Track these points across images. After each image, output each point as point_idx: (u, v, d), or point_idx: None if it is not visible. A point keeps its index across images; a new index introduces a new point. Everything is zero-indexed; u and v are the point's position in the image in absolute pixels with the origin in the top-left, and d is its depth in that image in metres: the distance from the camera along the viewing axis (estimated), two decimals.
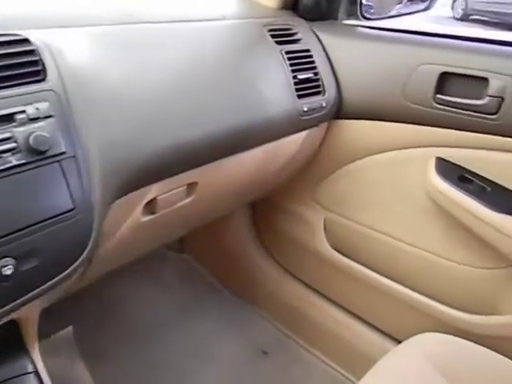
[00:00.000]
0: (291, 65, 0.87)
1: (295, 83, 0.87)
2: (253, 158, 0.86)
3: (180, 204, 0.80)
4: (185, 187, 0.78)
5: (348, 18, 1.02)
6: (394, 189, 0.96)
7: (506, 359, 0.80)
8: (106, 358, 1.13)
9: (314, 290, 1.19)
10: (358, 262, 1.06)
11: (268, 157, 0.91)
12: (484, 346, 0.82)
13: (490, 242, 0.82)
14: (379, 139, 0.95)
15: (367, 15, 1.02)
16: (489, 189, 0.83)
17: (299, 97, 0.87)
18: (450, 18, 9.03)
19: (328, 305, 1.16)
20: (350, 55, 0.95)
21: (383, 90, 0.91)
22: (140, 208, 0.72)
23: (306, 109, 0.88)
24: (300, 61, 0.89)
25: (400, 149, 0.94)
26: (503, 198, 0.82)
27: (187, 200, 0.81)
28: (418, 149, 0.91)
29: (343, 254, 1.08)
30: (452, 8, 9.16)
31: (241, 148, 0.80)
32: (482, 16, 8.55)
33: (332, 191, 1.08)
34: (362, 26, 1.00)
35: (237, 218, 1.29)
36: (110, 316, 1.26)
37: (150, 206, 0.74)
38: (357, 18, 1.02)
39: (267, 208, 1.25)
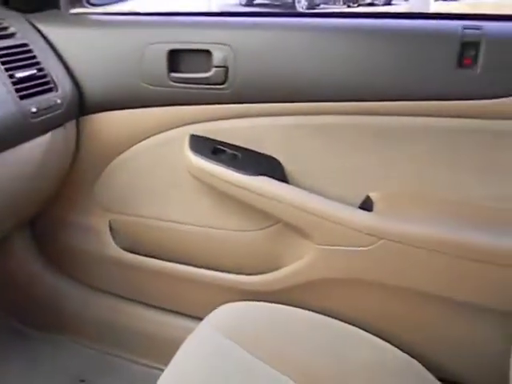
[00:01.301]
0: (4, 63, 0.77)
1: (14, 83, 0.77)
2: None
3: None
4: None
5: (74, 7, 0.95)
6: (163, 173, 0.95)
7: (297, 309, 0.85)
8: None
9: (121, 297, 1.12)
10: (151, 256, 1.02)
11: (8, 170, 0.80)
12: (277, 302, 0.87)
13: (252, 204, 0.85)
14: (135, 127, 0.92)
15: (94, 1, 0.97)
16: (240, 155, 0.86)
17: (22, 97, 0.77)
18: (237, 4, 9.61)
19: (139, 307, 1.10)
20: (80, 45, 0.89)
21: (121, 77, 0.87)
22: None
23: (34, 110, 0.79)
24: (16, 57, 0.79)
25: (158, 133, 0.92)
26: (253, 161, 0.86)
27: None
28: (174, 130, 0.91)
29: (136, 253, 1.04)
30: None
31: None
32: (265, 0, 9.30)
33: (109, 190, 1.02)
34: (90, 14, 0.94)
35: (16, 242, 1.14)
36: None
37: None
38: (83, 6, 0.96)
39: (48, 223, 1.12)
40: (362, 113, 0.79)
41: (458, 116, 0.74)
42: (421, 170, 0.80)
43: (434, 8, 7.48)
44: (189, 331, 0.83)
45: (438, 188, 0.80)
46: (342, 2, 8.73)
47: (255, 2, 9.49)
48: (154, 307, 1.08)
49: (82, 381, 1.10)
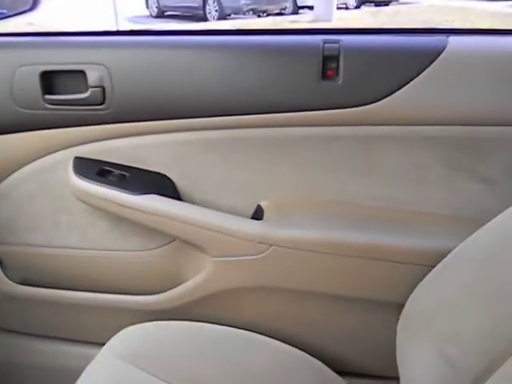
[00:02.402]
0: None
1: None
2: None
3: None
4: None
5: None
6: (50, 199, 0.91)
7: (199, 324, 0.85)
8: None
9: (18, 333, 1.05)
10: (46, 286, 0.97)
11: None
12: (181, 319, 0.86)
13: (144, 224, 0.84)
14: (14, 153, 0.87)
15: None
16: (128, 174, 0.85)
17: None
18: (148, 16, 9.49)
19: (38, 341, 1.04)
20: None
21: None
22: None
23: None
24: None
25: (40, 157, 0.88)
26: (142, 180, 0.85)
27: None
28: (57, 153, 0.87)
29: (29, 284, 0.98)
30: (147, 7, 9.64)
31: None
32: (175, 11, 9.28)
33: None
34: None
35: None
36: None
37: None
38: None
39: None
40: (243, 126, 0.81)
41: (327, 124, 0.79)
42: (303, 176, 0.84)
43: (336, 16, 7.93)
44: (91, 359, 0.80)
45: (321, 192, 0.84)
46: (251, 13, 8.96)
47: (166, 14, 9.43)
48: (54, 338, 1.03)
49: None
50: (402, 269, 0.77)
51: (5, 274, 0.98)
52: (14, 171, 0.89)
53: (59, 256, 0.94)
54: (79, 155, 0.86)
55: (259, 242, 0.81)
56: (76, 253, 0.94)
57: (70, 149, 0.87)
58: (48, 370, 1.04)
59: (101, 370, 0.77)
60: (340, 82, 0.77)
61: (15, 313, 1.02)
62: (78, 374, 0.77)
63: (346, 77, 0.76)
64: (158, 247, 0.90)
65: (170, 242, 0.90)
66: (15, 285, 0.98)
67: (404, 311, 0.72)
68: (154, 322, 0.86)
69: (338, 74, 0.76)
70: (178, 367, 0.76)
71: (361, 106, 0.76)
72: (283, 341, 0.84)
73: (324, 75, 0.76)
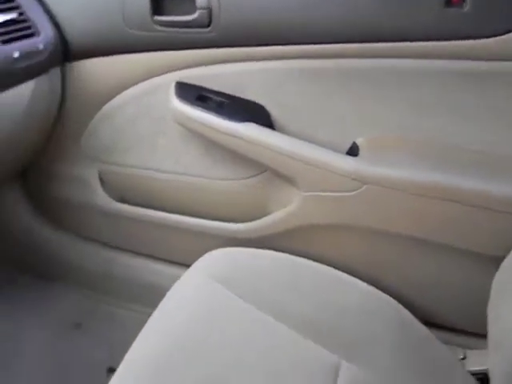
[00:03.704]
0: None
1: None
2: None
3: None
4: None
5: None
6: (150, 121, 0.94)
7: (285, 255, 0.87)
8: None
9: (112, 247, 1.14)
10: (141, 205, 1.04)
11: None
12: (265, 249, 0.88)
13: (238, 151, 0.85)
14: (121, 74, 0.91)
15: None
16: (226, 101, 0.86)
17: (4, 42, 0.76)
18: None
19: (129, 256, 1.13)
20: None
21: (104, 22, 0.86)
22: None
23: (17, 55, 0.77)
24: None
25: (144, 79, 0.91)
26: (239, 108, 0.86)
27: None
28: (160, 76, 0.90)
29: (126, 202, 1.05)
30: None
31: None
32: None
33: (97, 140, 1.01)
34: None
35: (7, 195, 1.15)
36: None
37: None
38: None
39: (38, 176, 1.13)
40: (349, 55, 0.78)
41: (446, 57, 0.73)
42: (405, 114, 0.80)
43: None
44: (177, 278, 0.85)
45: (424, 132, 0.80)
46: None
47: None
48: (144, 255, 1.11)
49: (79, 324, 1.14)
50: (507, 220, 0.72)
51: (105, 191, 1.06)
52: (119, 92, 0.93)
53: (154, 179, 0.99)
54: (180, 80, 0.88)
55: (353, 179, 0.79)
56: (169, 177, 0.98)
57: (173, 73, 0.89)
58: (137, 284, 1.12)
59: (188, 286, 0.80)
60: (467, 8, 0.70)
61: (111, 228, 1.10)
62: (163, 289, 0.82)
63: (474, 3, 0.69)
64: (249, 177, 0.92)
65: (261, 173, 0.91)
66: (113, 202, 1.05)
67: (503, 265, 0.68)
68: (240, 248, 0.89)
69: (464, 0, 0.70)
70: (263, 294, 0.77)
71: (486, 37, 0.69)
72: (367, 282, 0.83)
73: (448, 2, 0.70)
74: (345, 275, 0.84)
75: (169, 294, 0.80)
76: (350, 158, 0.81)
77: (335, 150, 0.83)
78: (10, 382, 1.02)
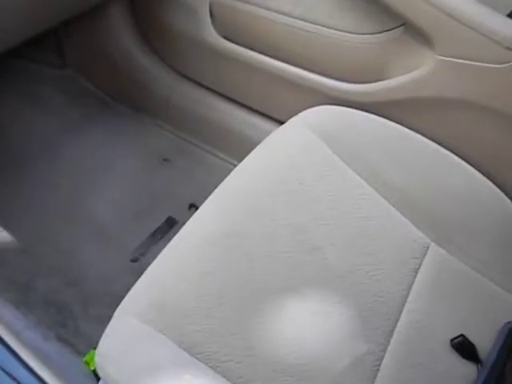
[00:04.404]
0: None
1: None
2: None
3: None
4: None
5: None
6: None
7: (397, 125, 0.80)
8: None
9: (209, 90, 1.11)
10: (247, 47, 0.96)
11: None
12: (374, 113, 0.81)
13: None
14: None
15: None
16: None
17: None
18: None
19: (224, 102, 1.09)
20: None
21: None
22: None
23: None
24: None
25: None
26: None
27: None
28: None
29: (232, 41, 0.98)
30: None
31: None
32: None
33: None
34: None
35: (113, 13, 1.11)
36: None
37: None
38: None
39: None
40: None
41: None
42: None
43: None
44: (269, 132, 0.81)
45: None
46: None
47: None
48: (241, 104, 1.07)
49: (166, 160, 1.16)
50: None
51: (213, 25, 0.99)
52: None
53: (269, 20, 0.90)
54: None
55: (507, 48, 0.66)
56: (286, 20, 0.88)
57: None
58: (229, 132, 1.10)
59: (285, 135, 0.79)
60: None
61: (212, 67, 1.06)
62: (254, 142, 0.78)
63: None
64: (378, 32, 0.81)
65: (391, 29, 0.79)
66: (220, 38, 0.99)
67: None
68: (348, 109, 0.83)
69: None
70: (365, 161, 0.74)
71: None
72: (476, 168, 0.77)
73: None
74: (455, 157, 0.77)
75: (262, 144, 0.77)
76: (509, 21, 0.67)
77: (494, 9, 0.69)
78: (99, 195, 1.08)
